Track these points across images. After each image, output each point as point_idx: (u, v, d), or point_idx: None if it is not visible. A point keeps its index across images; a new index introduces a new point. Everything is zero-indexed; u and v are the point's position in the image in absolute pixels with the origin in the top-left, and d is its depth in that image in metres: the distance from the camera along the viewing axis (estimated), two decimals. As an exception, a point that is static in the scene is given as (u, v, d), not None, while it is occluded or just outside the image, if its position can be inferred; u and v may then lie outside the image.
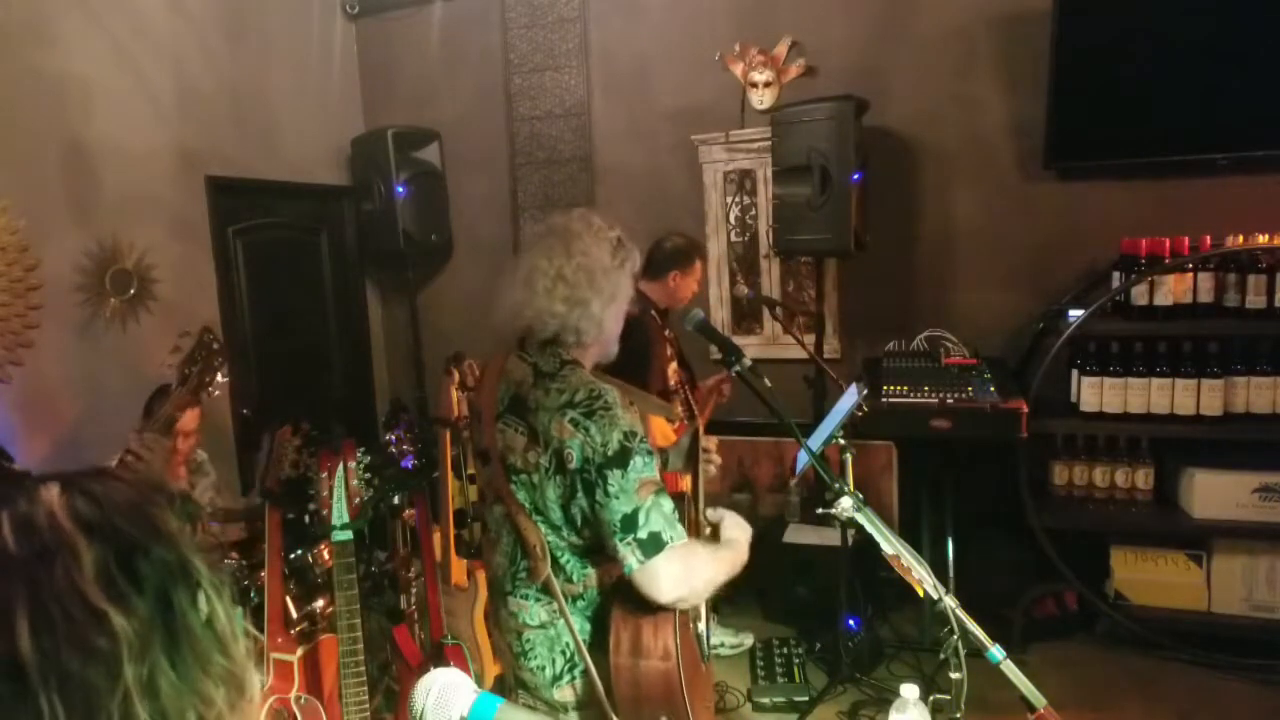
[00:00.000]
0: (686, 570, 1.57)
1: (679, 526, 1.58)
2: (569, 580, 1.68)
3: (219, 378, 2.38)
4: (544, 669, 1.71)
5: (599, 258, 1.69)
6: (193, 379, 2.33)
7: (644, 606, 1.59)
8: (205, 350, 2.35)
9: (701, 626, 1.80)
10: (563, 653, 1.70)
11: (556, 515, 1.64)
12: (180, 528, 0.76)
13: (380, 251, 4.87)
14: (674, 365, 3.36)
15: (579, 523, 1.63)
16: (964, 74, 3.98)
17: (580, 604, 1.69)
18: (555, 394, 1.64)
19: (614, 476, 1.56)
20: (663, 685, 1.59)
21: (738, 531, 1.82)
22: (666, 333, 3.40)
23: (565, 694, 1.71)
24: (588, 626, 1.69)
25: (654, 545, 1.54)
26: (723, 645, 3.66)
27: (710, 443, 2.14)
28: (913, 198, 4.13)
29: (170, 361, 2.41)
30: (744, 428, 4.27)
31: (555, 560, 1.66)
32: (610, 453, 1.56)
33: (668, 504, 1.59)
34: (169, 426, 2.34)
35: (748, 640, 3.71)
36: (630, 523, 1.54)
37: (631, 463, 1.56)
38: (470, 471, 3.52)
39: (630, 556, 1.54)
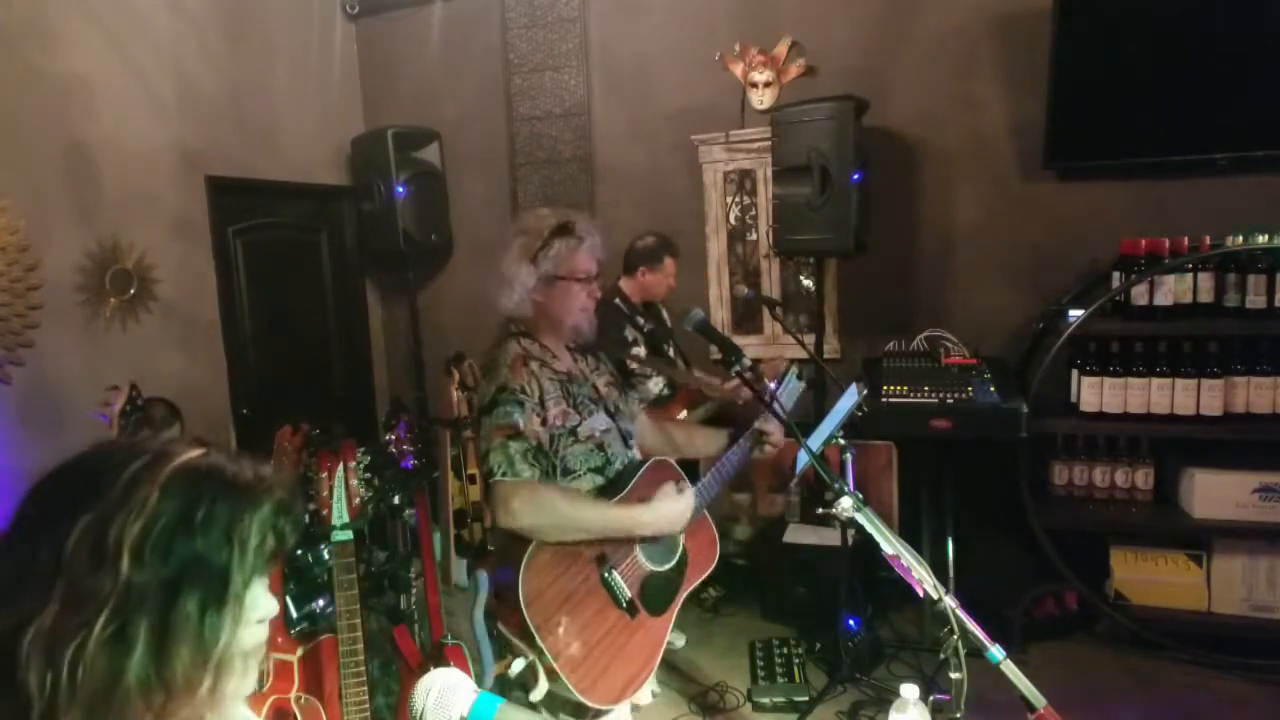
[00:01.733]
0: (516, 499, 1.87)
1: (519, 466, 1.89)
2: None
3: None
4: None
5: (510, 250, 2.04)
6: (129, 429, 2.39)
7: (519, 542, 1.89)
8: (134, 409, 2.41)
9: (617, 575, 1.98)
10: None
11: None
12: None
13: (380, 251, 4.87)
14: (637, 350, 3.61)
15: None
16: (964, 74, 3.98)
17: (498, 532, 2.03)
18: (485, 355, 2.09)
19: (485, 421, 1.95)
20: (507, 613, 1.88)
21: (648, 515, 2.00)
22: (639, 321, 3.67)
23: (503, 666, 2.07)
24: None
25: (490, 476, 1.90)
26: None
27: (769, 426, 2.24)
28: (913, 198, 4.13)
29: (106, 411, 2.48)
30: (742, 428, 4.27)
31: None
32: (485, 401, 1.96)
33: (515, 446, 1.90)
34: None
35: (679, 641, 3.69)
36: (484, 458, 1.93)
37: (496, 410, 1.93)
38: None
39: (485, 488, 1.91)
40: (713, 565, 2.25)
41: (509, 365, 1.98)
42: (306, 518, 2.79)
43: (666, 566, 2.10)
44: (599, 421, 2.08)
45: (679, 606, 2.13)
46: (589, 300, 2.08)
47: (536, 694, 1.86)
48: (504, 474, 1.88)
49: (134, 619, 0.76)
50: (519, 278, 2.01)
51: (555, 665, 1.81)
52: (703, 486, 2.13)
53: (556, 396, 2.01)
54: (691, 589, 2.17)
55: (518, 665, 1.89)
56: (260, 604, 0.87)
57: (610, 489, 2.05)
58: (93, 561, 0.76)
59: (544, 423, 1.97)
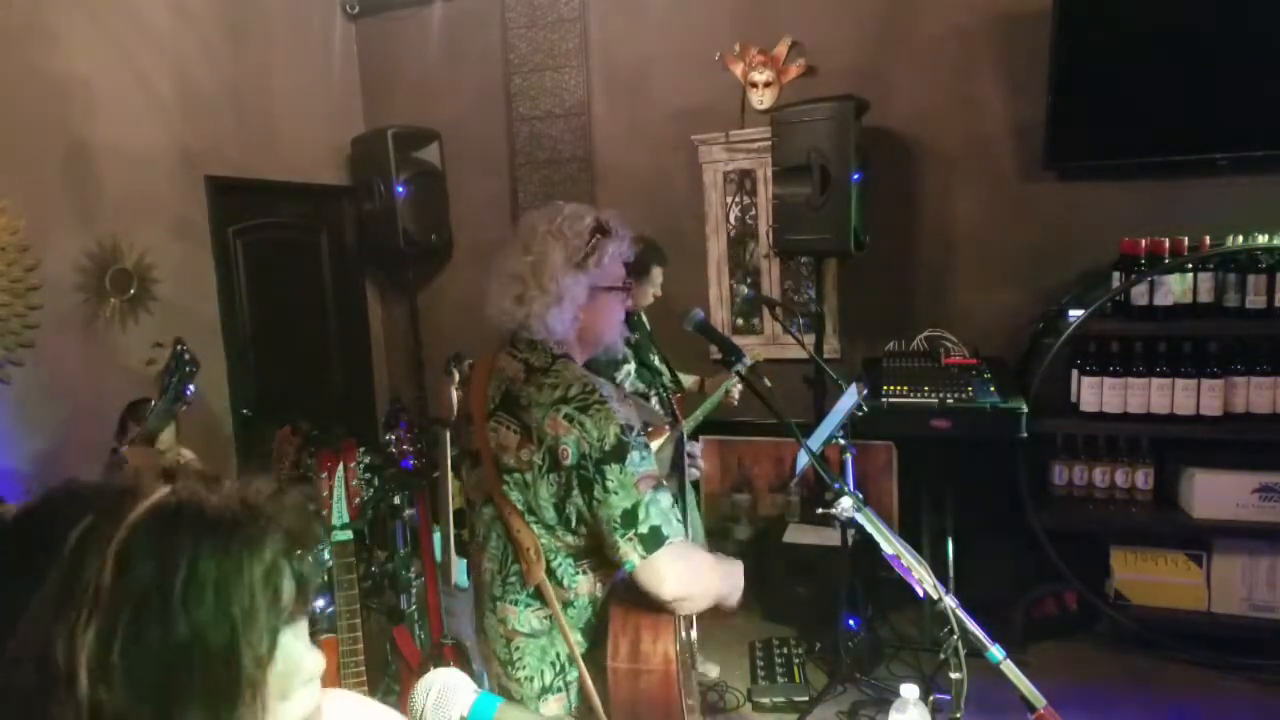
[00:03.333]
0: (690, 567, 1.55)
1: (676, 523, 1.55)
2: (560, 585, 1.63)
3: (190, 389, 2.37)
4: (532, 680, 1.66)
5: (551, 257, 1.65)
6: (172, 390, 2.31)
7: (642, 611, 1.57)
8: (180, 361, 2.35)
9: (693, 634, 1.79)
10: (553, 663, 1.66)
11: (550, 515, 1.60)
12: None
13: (380, 251, 4.86)
14: (628, 366, 3.22)
15: (574, 522, 1.59)
16: (964, 74, 3.97)
17: (571, 612, 1.64)
18: (548, 389, 1.59)
19: (612, 471, 1.52)
20: (662, 693, 1.55)
21: (732, 564, 1.78)
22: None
23: (552, 707, 1.65)
24: (577, 636, 1.64)
25: (655, 540, 1.51)
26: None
27: (695, 448, 2.11)
28: (913, 198, 4.13)
29: (148, 374, 2.41)
30: (744, 428, 4.28)
31: (548, 563, 1.62)
32: (608, 447, 1.53)
33: (666, 499, 1.56)
34: (152, 440, 2.31)
35: (713, 671, 3.52)
36: (631, 518, 1.51)
37: (629, 457, 1.54)
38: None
39: (632, 553, 1.51)
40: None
41: (617, 399, 1.61)
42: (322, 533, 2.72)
43: None
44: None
45: None
46: (624, 311, 1.81)
47: None
48: (670, 534, 1.53)
49: (108, 619, 0.56)
50: (571, 292, 1.65)
51: None
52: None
53: None
54: None
55: None
56: (302, 664, 0.66)
57: None
58: (40, 693, 0.54)
59: None
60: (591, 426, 1.54)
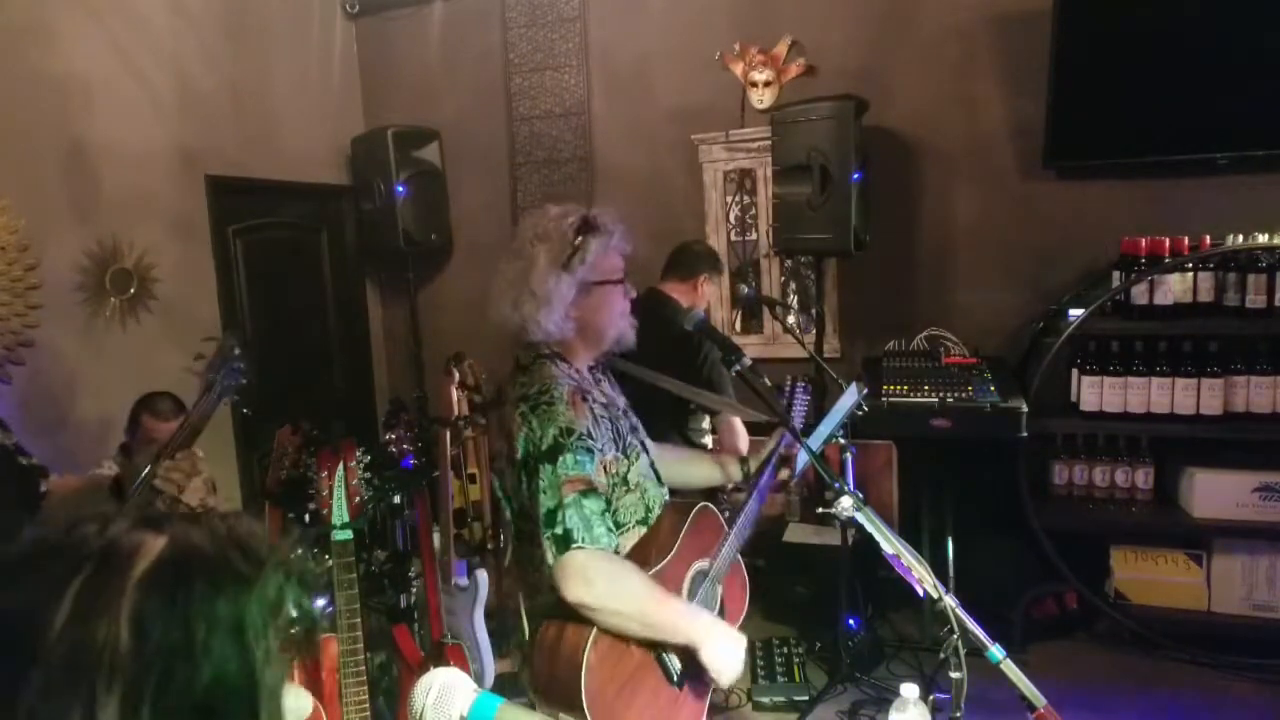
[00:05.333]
0: (598, 575, 1.55)
1: (599, 530, 1.58)
2: (533, 568, 1.71)
3: (240, 381, 2.30)
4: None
5: (538, 261, 1.72)
6: (217, 386, 2.23)
7: (575, 610, 1.58)
8: (229, 357, 2.26)
9: (671, 653, 1.69)
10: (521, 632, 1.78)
11: (514, 503, 1.74)
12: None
13: (380, 251, 4.86)
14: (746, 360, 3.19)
15: (522, 513, 1.71)
16: (964, 74, 3.97)
17: (539, 597, 1.70)
18: (519, 386, 1.73)
19: (545, 471, 1.60)
20: (564, 689, 1.57)
21: (712, 647, 1.64)
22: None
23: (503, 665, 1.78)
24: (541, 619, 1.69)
25: (565, 543, 1.56)
26: None
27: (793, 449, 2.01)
28: (913, 198, 4.13)
29: (195, 368, 2.34)
30: (743, 428, 4.27)
31: (520, 546, 1.75)
32: (544, 447, 1.61)
33: (592, 505, 1.59)
34: (194, 437, 2.24)
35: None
36: (551, 518, 1.58)
37: (562, 459, 1.60)
38: (470, 471, 3.52)
39: (549, 551, 1.58)
40: (745, 609, 1.96)
41: (567, 401, 1.66)
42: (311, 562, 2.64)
43: None
44: (644, 463, 1.84)
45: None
46: (626, 302, 1.83)
47: None
48: (583, 539, 1.56)
49: (132, 689, 0.54)
50: (557, 292, 1.70)
51: None
52: (724, 556, 1.85)
53: (609, 438, 1.74)
54: None
55: None
56: (301, 708, 0.69)
57: (649, 543, 1.77)
58: (85, 628, 0.53)
59: (604, 471, 1.68)
60: (536, 425, 1.64)
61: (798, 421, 2.34)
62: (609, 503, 1.66)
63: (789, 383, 3.65)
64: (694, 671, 1.71)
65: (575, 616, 1.59)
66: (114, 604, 0.54)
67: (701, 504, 1.88)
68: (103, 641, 0.53)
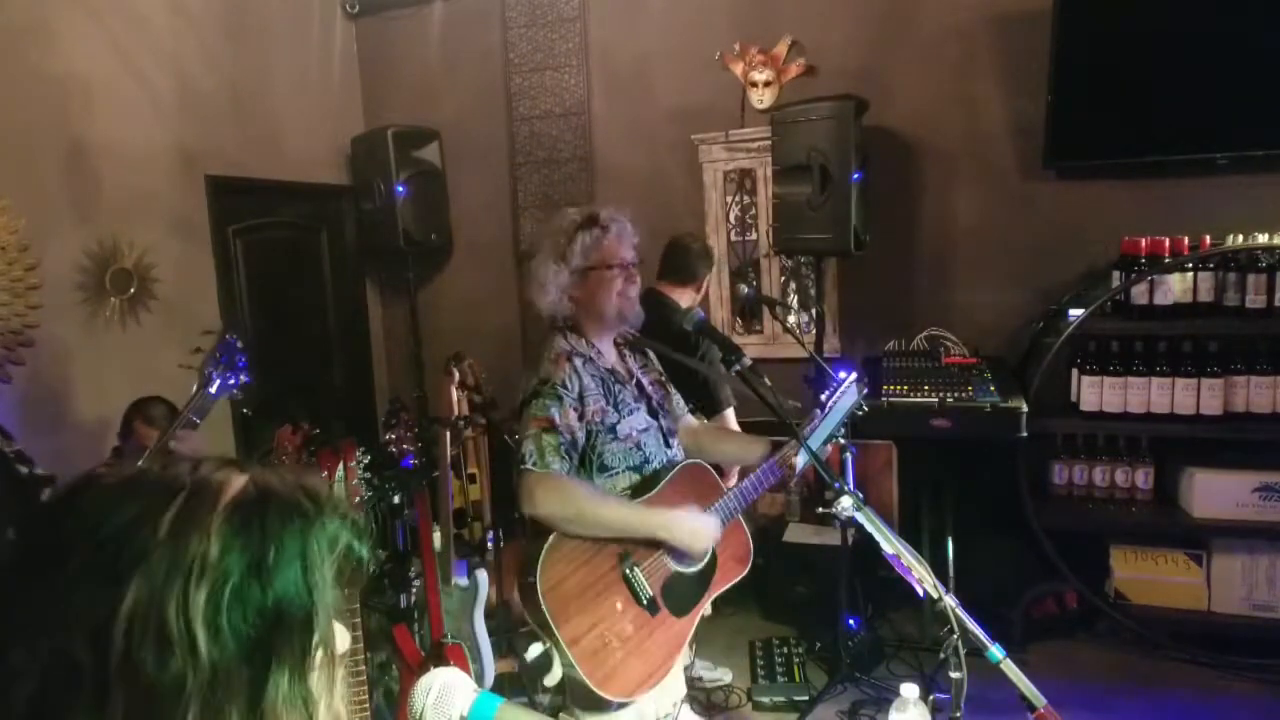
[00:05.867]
0: (546, 490, 1.89)
1: (550, 458, 1.91)
2: None
3: (242, 379, 2.32)
4: None
5: (542, 255, 2.10)
6: (214, 380, 2.25)
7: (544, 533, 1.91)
8: (229, 352, 2.29)
9: (639, 573, 1.95)
10: None
11: None
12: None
13: (380, 251, 4.86)
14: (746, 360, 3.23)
15: None
16: (964, 74, 3.97)
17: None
18: (538, 350, 2.14)
19: (524, 411, 1.99)
20: (527, 599, 1.88)
21: (668, 527, 1.97)
22: None
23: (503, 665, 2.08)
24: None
25: (520, 465, 1.93)
26: (700, 679, 3.44)
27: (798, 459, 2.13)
28: (913, 198, 4.13)
29: (191, 363, 2.36)
30: (744, 427, 4.26)
31: None
32: (527, 392, 2.01)
33: (550, 439, 1.93)
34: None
35: (726, 676, 3.49)
36: (518, 449, 1.97)
37: (535, 402, 1.97)
38: (470, 471, 3.52)
39: (518, 475, 1.93)
40: (744, 572, 2.17)
41: (552, 360, 2.03)
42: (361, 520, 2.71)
43: (693, 569, 2.05)
44: (638, 421, 2.09)
45: (703, 609, 2.08)
46: (627, 285, 2.09)
47: (550, 679, 1.89)
48: (533, 464, 1.91)
49: (224, 711, 0.62)
50: (551, 277, 2.06)
51: (570, 654, 1.81)
52: (720, 506, 2.07)
53: (597, 393, 2.03)
54: (719, 593, 2.12)
55: (535, 650, 1.89)
56: (342, 638, 0.75)
57: (643, 488, 2.05)
58: (158, 651, 0.60)
59: (582, 418, 1.99)
60: (530, 375, 2.05)
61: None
62: (576, 443, 1.97)
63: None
64: (672, 601, 1.97)
65: (544, 536, 1.89)
66: (205, 523, 0.65)
67: (692, 461, 2.15)
68: (194, 552, 0.63)
